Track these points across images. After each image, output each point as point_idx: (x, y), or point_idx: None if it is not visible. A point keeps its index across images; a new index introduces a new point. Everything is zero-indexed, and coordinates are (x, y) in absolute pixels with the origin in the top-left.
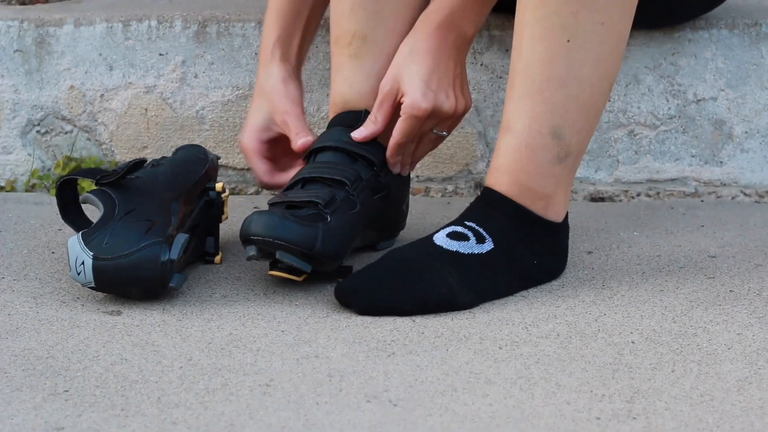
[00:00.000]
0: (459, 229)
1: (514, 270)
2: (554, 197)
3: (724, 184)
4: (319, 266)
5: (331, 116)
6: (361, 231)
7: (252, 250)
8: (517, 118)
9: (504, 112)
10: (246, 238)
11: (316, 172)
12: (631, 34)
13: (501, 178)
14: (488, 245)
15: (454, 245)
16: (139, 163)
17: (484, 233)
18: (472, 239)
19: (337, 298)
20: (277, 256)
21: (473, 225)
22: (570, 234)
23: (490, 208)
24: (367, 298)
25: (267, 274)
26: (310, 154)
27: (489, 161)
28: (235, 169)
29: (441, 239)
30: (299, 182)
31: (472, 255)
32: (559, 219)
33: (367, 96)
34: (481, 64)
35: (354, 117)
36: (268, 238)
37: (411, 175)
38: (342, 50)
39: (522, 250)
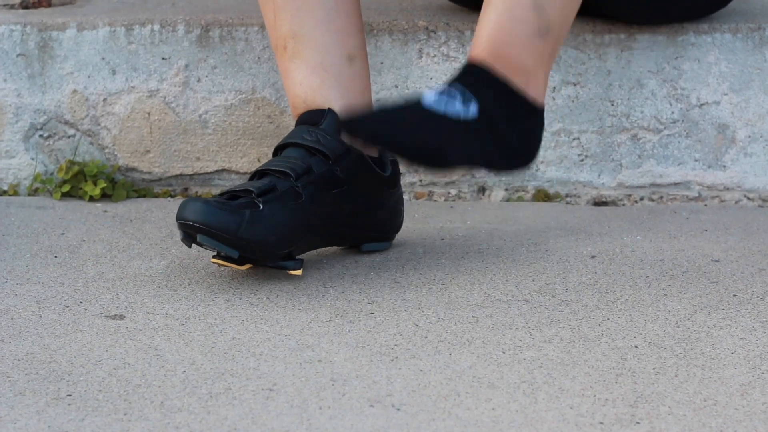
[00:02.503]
0: (447, 88)
1: (497, 140)
2: (534, 75)
3: (728, 189)
4: (250, 253)
5: (294, 117)
6: (315, 225)
7: (182, 234)
8: None
9: None
10: (176, 222)
11: (270, 165)
12: (634, 37)
13: (483, 51)
14: (473, 110)
15: (441, 105)
16: None
17: (471, 95)
18: (458, 99)
19: (345, 128)
20: (198, 239)
21: (460, 86)
22: (573, 238)
23: (474, 77)
24: (375, 128)
25: (210, 261)
26: (276, 150)
27: None
28: (238, 173)
29: (430, 98)
30: (256, 175)
31: (458, 121)
32: (538, 102)
33: (320, 89)
34: None
35: (318, 114)
36: (190, 221)
37: (414, 180)
38: (282, 56)
39: (503, 120)
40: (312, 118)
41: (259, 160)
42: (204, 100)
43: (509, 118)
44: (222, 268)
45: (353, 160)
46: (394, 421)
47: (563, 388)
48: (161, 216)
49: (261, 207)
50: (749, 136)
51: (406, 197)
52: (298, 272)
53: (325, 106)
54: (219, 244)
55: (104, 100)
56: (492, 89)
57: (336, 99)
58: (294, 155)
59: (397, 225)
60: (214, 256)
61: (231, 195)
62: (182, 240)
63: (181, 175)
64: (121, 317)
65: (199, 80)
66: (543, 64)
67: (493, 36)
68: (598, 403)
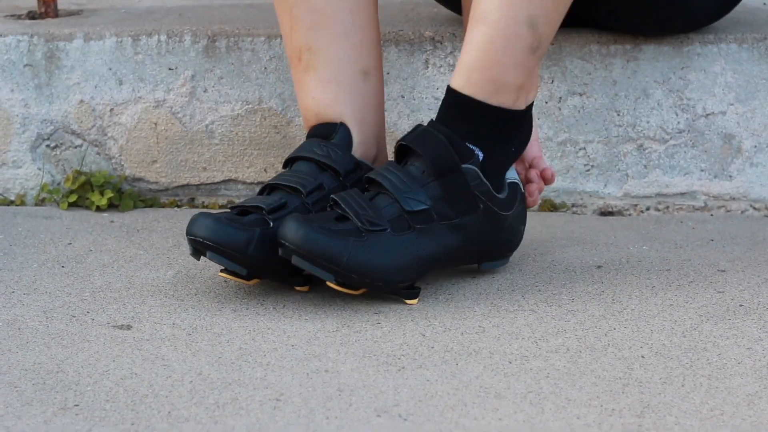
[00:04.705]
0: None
1: (500, 167)
2: (524, 88)
3: (734, 198)
4: (259, 272)
5: (306, 129)
6: None
7: (191, 249)
8: (493, 8)
9: (476, 4)
10: (186, 236)
11: (280, 180)
12: (640, 47)
13: (474, 76)
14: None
15: None
16: None
17: (476, 150)
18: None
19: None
20: (207, 257)
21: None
22: (579, 248)
23: (469, 118)
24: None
25: (218, 274)
26: (287, 163)
27: None
28: (244, 183)
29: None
30: (266, 189)
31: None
32: (526, 105)
33: (333, 104)
34: None
35: (329, 128)
36: (199, 238)
37: None
38: (296, 67)
39: (504, 147)
40: (323, 132)
41: (265, 170)
42: (210, 111)
43: (507, 139)
44: (226, 283)
45: (363, 176)
46: (400, 431)
47: (570, 398)
48: (168, 226)
49: (271, 225)
50: (755, 146)
51: None
52: (305, 288)
53: (337, 120)
54: (228, 261)
55: (111, 110)
56: (489, 125)
57: (349, 114)
58: (305, 170)
59: None
60: (222, 270)
61: (241, 210)
62: (191, 254)
63: (187, 185)
64: (128, 327)
65: (205, 90)
66: (532, 76)
67: (488, 58)
68: (604, 413)
